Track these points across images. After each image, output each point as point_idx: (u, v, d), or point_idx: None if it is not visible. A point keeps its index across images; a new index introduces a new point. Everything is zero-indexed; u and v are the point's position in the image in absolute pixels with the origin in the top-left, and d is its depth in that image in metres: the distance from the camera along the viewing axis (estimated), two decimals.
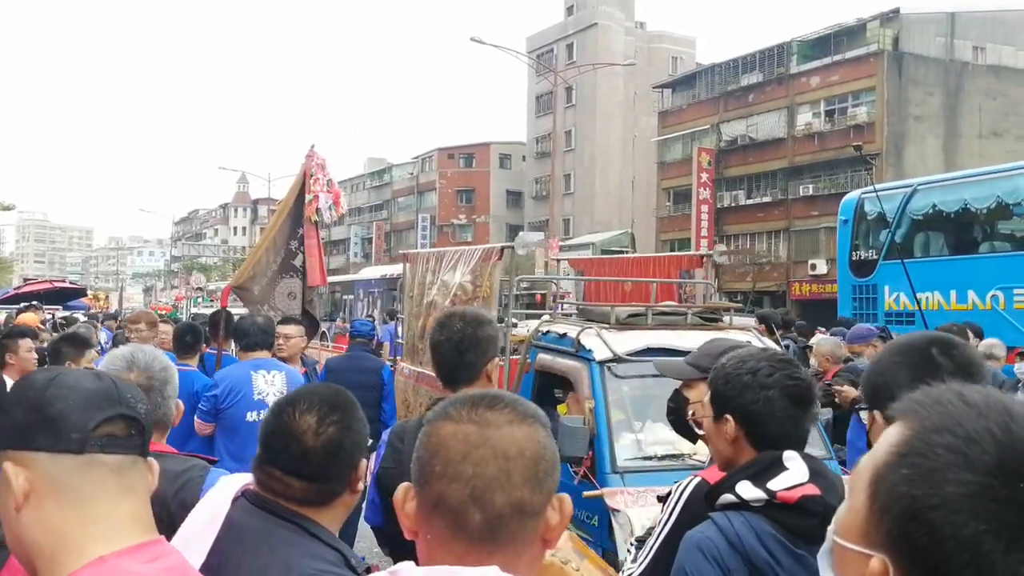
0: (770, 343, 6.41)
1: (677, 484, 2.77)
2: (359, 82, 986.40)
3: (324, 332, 24.74)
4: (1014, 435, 1.01)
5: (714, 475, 2.65)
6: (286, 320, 7.79)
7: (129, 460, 1.72)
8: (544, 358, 6.78)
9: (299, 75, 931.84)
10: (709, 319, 6.97)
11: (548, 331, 7.00)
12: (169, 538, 2.30)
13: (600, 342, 6.10)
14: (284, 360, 7.22)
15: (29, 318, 14.54)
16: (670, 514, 2.67)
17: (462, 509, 1.40)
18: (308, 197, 8.75)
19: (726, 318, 7.19)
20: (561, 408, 6.49)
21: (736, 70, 52.30)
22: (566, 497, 1.50)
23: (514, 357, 7.27)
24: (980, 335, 8.84)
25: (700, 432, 2.83)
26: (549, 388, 6.89)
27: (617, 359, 5.90)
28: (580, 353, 6.19)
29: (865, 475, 1.10)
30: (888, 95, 43.26)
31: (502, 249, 7.63)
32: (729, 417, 2.55)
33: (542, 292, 18.61)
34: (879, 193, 15.29)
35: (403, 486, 1.50)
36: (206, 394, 6.15)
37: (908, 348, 2.31)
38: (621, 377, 5.92)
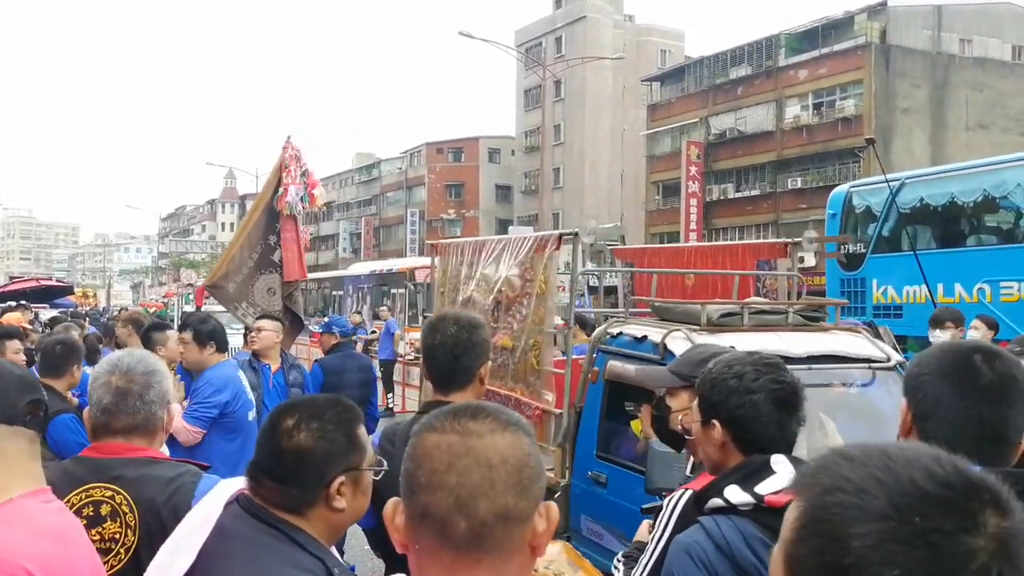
0: (886, 347, 5.97)
1: (668, 498, 2.78)
2: (347, 76, 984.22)
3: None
4: (896, 473, 1.02)
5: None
6: (264, 316, 7.80)
7: (35, 435, 2.27)
8: (616, 366, 5.80)
9: (286, 70, 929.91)
10: (811, 318, 6.11)
11: (620, 333, 6.05)
12: (160, 544, 2.33)
13: None
14: (257, 354, 7.29)
15: (14, 318, 14.35)
16: (663, 530, 2.68)
17: (448, 518, 1.42)
18: (280, 190, 8.60)
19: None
20: (635, 425, 5.67)
21: (724, 63, 52.38)
22: (552, 504, 1.51)
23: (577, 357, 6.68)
24: (994, 327, 8.67)
25: (689, 438, 2.84)
26: (621, 400, 5.80)
27: None
28: (668, 361, 5.03)
29: (778, 562, 1.09)
30: (876, 88, 43.36)
31: (561, 237, 6.74)
32: (716, 422, 2.58)
33: None
34: (866, 187, 15.33)
35: (392, 501, 1.52)
36: (210, 400, 5.91)
37: (951, 351, 2.29)
38: None
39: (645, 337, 5.71)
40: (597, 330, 6.41)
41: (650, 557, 2.69)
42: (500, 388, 7.00)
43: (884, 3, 45.47)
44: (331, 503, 2.30)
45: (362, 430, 2.43)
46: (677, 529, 2.63)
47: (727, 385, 2.57)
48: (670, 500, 2.74)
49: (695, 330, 5.40)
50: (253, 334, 7.43)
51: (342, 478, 2.31)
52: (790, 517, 1.08)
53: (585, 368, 6.29)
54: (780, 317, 5.88)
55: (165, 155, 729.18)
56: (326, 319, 9.18)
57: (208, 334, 6.22)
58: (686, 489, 2.75)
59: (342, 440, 2.34)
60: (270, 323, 7.49)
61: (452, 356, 3.34)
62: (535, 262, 6.73)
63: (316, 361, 8.55)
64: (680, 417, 3.17)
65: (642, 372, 4.13)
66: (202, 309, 8.38)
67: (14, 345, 6.69)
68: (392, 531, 1.50)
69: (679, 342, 5.24)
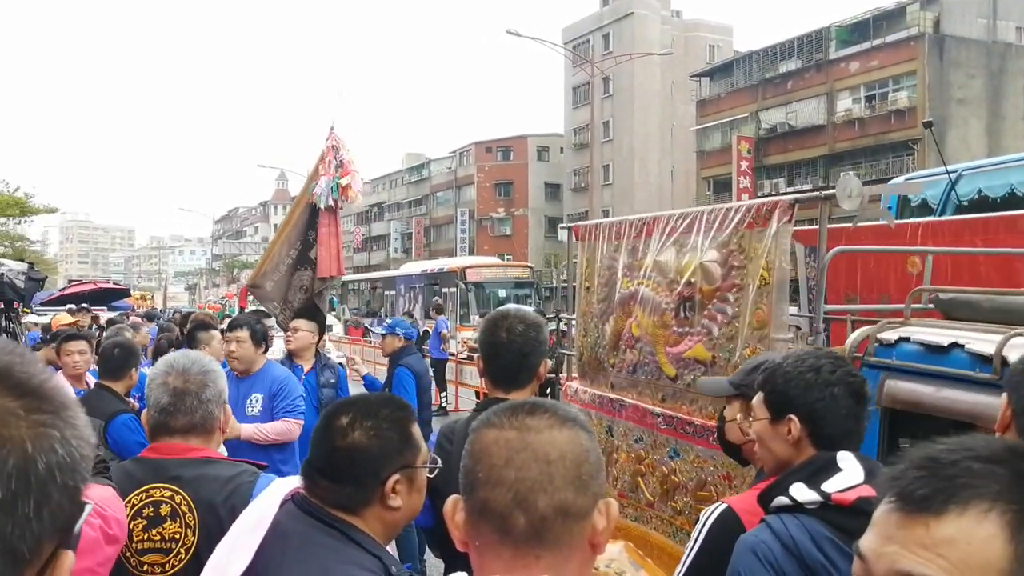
0: None
1: (704, 511, 2.75)
2: (396, 77, 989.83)
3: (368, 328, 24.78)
4: None
5: (741, 502, 2.65)
6: (300, 314, 7.80)
7: None
8: (904, 389, 3.94)
9: (336, 71, 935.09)
10: None
11: (903, 340, 4.06)
12: (218, 542, 2.34)
13: None
14: (292, 354, 7.34)
15: (65, 319, 14.36)
16: (694, 542, 2.66)
17: (507, 513, 1.42)
18: (314, 185, 8.40)
19: None
20: None
21: (774, 57, 52.02)
22: (612, 501, 1.51)
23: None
24: None
25: (746, 442, 2.80)
26: (913, 436, 3.90)
27: None
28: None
29: None
30: (929, 79, 42.83)
31: (793, 204, 4.48)
32: (793, 417, 2.54)
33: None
34: (922, 180, 15.09)
35: (452, 499, 1.52)
36: (300, 394, 6.40)
37: None
38: None
39: (955, 345, 3.79)
40: (856, 334, 4.35)
41: (681, 569, 2.67)
42: (694, 416, 5.04)
43: None
44: (386, 501, 2.30)
45: (416, 428, 2.42)
46: (706, 543, 2.60)
47: (805, 378, 2.53)
48: (705, 513, 2.71)
49: None
50: (289, 334, 7.46)
51: (397, 476, 2.31)
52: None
53: None
54: None
55: (217, 158, 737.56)
56: (389, 320, 9.09)
57: (263, 334, 6.39)
58: (722, 503, 2.71)
59: (396, 438, 2.34)
60: (306, 323, 7.45)
61: (521, 355, 3.32)
62: (748, 241, 4.77)
63: (402, 364, 8.42)
64: (738, 418, 3.12)
65: (702, 383, 3.96)
66: (246, 310, 8.43)
67: (70, 347, 6.75)
68: (452, 528, 1.51)
69: None
